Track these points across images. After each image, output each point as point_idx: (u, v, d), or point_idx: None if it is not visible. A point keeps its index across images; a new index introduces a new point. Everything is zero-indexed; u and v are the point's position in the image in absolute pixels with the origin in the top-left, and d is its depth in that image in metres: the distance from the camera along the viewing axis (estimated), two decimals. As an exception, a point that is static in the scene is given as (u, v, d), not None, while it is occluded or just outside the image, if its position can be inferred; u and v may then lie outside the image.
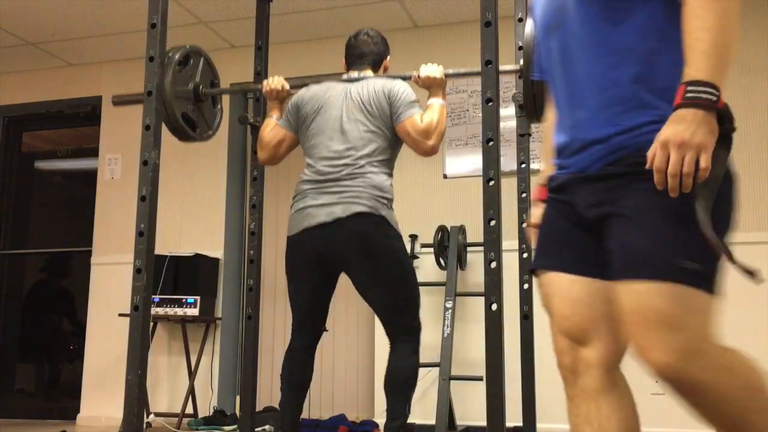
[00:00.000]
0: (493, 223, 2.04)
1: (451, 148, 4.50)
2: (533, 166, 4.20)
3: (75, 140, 5.64)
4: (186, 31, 4.70)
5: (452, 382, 3.59)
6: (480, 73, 2.14)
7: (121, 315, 4.50)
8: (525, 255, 3.13)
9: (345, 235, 2.55)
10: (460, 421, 3.95)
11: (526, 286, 3.08)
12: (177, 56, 2.65)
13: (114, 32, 4.77)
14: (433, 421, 3.47)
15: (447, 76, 2.68)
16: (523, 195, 3.14)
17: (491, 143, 2.08)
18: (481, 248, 2.11)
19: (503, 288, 2.02)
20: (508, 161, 4.04)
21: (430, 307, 4.35)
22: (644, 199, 1.28)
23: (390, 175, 2.72)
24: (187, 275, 4.52)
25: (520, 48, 3.19)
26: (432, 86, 2.68)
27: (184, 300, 4.45)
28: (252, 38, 3.08)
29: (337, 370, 4.72)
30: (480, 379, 3.69)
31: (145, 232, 2.29)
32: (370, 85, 2.68)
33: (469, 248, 4.22)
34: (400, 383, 2.63)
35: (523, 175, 3.15)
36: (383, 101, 2.64)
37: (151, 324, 4.21)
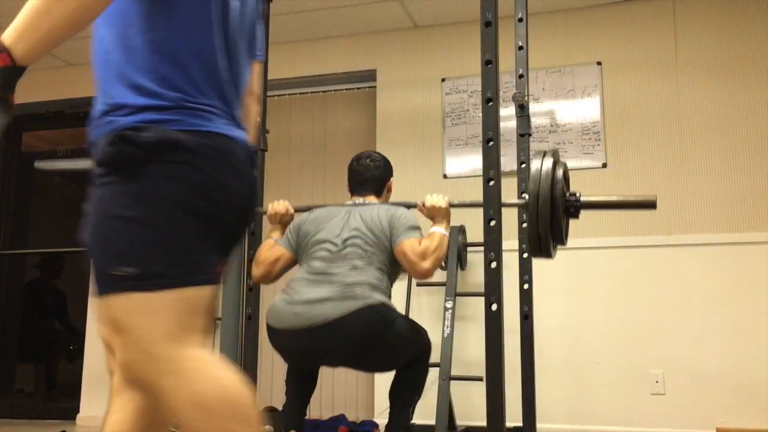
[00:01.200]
0: (493, 223, 2.04)
1: (451, 148, 4.50)
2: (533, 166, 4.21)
3: (75, 140, 5.64)
4: (186, 31, 4.70)
5: (452, 382, 3.59)
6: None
7: (121, 315, 4.49)
8: (525, 255, 3.13)
9: (340, 339, 2.45)
10: (460, 421, 3.95)
11: (526, 286, 3.08)
12: None
13: (114, 32, 4.77)
14: (433, 421, 3.47)
15: (452, 206, 2.67)
16: (523, 195, 3.14)
17: (491, 143, 2.08)
18: (481, 248, 2.11)
19: (503, 288, 2.02)
20: (508, 161, 4.04)
21: (430, 307, 4.35)
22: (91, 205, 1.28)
23: (389, 296, 2.63)
24: (187, 275, 4.51)
25: (521, 48, 3.20)
26: (436, 216, 2.67)
27: (184, 300, 4.44)
28: (252, 38, 3.08)
29: (337, 370, 4.71)
30: (480, 379, 3.69)
31: (145, 232, 2.28)
32: (374, 210, 2.67)
33: (469, 248, 4.22)
34: (408, 391, 2.63)
35: (523, 175, 3.15)
36: (385, 224, 2.62)
37: (151, 324, 4.20)
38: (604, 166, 4.23)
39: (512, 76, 3.32)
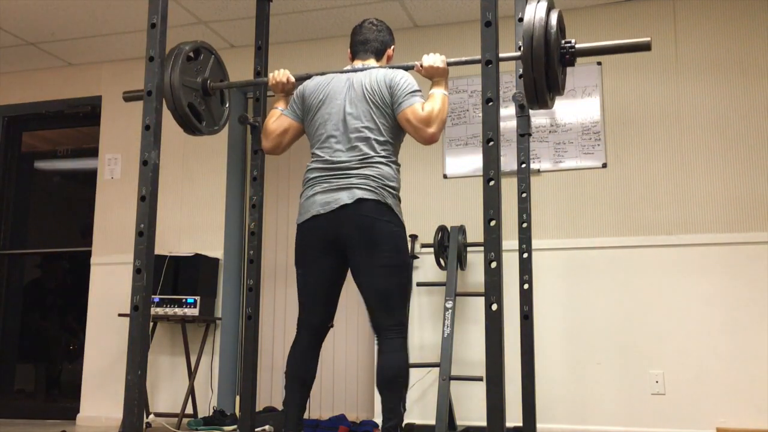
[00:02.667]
0: (493, 223, 2.04)
1: (451, 148, 4.50)
2: (533, 166, 4.21)
3: (75, 140, 5.64)
4: (186, 31, 4.70)
5: (452, 382, 3.59)
6: (480, 60, 2.14)
7: (121, 315, 4.50)
8: (525, 255, 3.13)
9: (349, 219, 2.60)
10: (460, 421, 3.95)
11: (526, 286, 3.08)
12: (187, 48, 2.67)
13: (114, 32, 4.77)
14: (433, 421, 3.47)
15: (449, 64, 2.69)
16: (523, 195, 3.14)
17: (491, 143, 2.08)
18: (481, 248, 2.11)
19: (503, 288, 2.02)
20: (508, 161, 4.04)
21: (430, 307, 4.35)
22: None
23: (396, 163, 2.75)
24: (187, 275, 4.52)
25: (520, 48, 3.20)
26: (434, 76, 2.70)
27: (184, 300, 4.45)
28: (252, 38, 3.08)
29: (337, 370, 4.72)
30: (480, 379, 3.69)
31: (145, 232, 2.29)
32: (373, 75, 2.71)
33: (469, 248, 4.22)
34: (393, 380, 2.60)
35: (523, 175, 3.15)
36: (385, 91, 2.67)
37: (151, 324, 4.21)
38: (604, 166, 4.23)
39: (512, 76, 3.33)
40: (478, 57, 2.17)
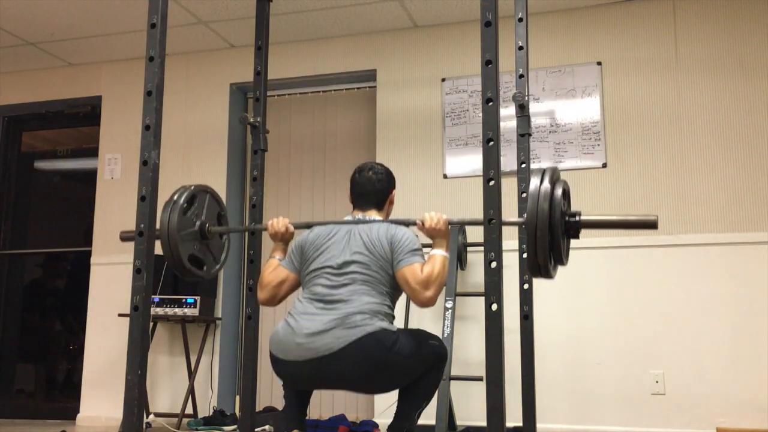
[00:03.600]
0: (493, 223, 2.04)
1: (451, 148, 4.50)
2: (533, 166, 4.21)
3: (75, 140, 5.64)
4: (186, 31, 4.70)
5: (452, 382, 3.59)
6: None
7: (121, 315, 4.50)
8: (525, 255, 3.12)
9: (344, 369, 2.44)
10: (460, 421, 3.95)
11: (526, 286, 3.08)
12: (182, 200, 2.62)
13: (114, 32, 4.77)
14: (433, 421, 3.47)
15: (452, 224, 2.62)
16: (523, 195, 3.14)
17: (491, 143, 2.08)
18: (481, 248, 2.11)
19: (503, 288, 2.02)
20: (508, 161, 4.04)
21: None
22: None
23: (391, 315, 2.60)
24: (187, 275, 4.51)
25: (521, 48, 3.20)
26: (435, 237, 2.62)
27: (184, 300, 4.45)
28: (252, 38, 3.08)
29: (337, 370, 4.71)
30: (480, 379, 3.69)
31: (145, 232, 2.29)
32: (374, 229, 2.64)
33: (469, 248, 4.22)
34: (419, 395, 2.60)
35: (523, 175, 3.15)
36: (386, 246, 2.58)
37: (151, 324, 4.21)
38: (604, 166, 4.23)
39: (512, 76, 3.32)
40: (479, 219, 2.11)
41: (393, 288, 2.59)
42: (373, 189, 2.79)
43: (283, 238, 2.79)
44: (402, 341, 2.48)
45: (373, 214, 2.76)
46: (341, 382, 2.54)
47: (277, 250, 2.81)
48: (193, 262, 2.67)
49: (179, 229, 2.59)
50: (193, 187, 2.71)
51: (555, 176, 2.17)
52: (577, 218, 2.20)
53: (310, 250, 2.67)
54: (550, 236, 2.10)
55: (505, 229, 2.12)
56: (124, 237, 2.67)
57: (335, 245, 2.63)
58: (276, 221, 2.78)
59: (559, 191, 2.14)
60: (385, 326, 2.47)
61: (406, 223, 2.67)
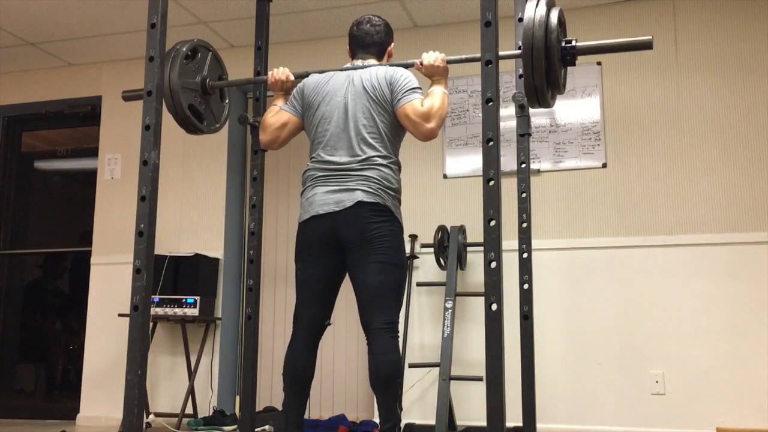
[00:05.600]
0: (493, 223, 2.04)
1: (451, 148, 4.50)
2: (533, 166, 4.21)
3: (75, 140, 5.64)
4: (186, 31, 4.69)
5: (452, 382, 3.59)
6: (480, 59, 2.14)
7: (121, 315, 4.50)
8: (525, 255, 3.12)
9: (348, 221, 2.60)
10: (460, 421, 3.95)
11: (526, 286, 3.07)
12: (185, 48, 2.66)
13: (114, 32, 4.77)
14: (433, 421, 3.47)
15: (449, 62, 2.68)
16: (523, 195, 3.14)
17: (491, 143, 2.08)
18: (481, 248, 2.11)
19: (503, 288, 2.02)
20: (508, 161, 4.04)
21: (430, 307, 4.35)
22: None
23: (396, 164, 2.74)
24: (187, 275, 4.52)
25: (520, 48, 3.19)
26: (434, 74, 2.69)
27: (184, 300, 4.45)
28: (252, 38, 3.08)
29: (337, 370, 4.72)
30: (480, 379, 3.69)
31: (145, 232, 2.29)
32: (373, 72, 2.71)
33: (469, 248, 4.22)
34: (388, 381, 2.57)
35: (523, 175, 3.15)
36: (385, 87, 2.66)
37: (151, 324, 4.21)
38: (604, 166, 4.23)
39: (512, 76, 3.32)
40: (478, 55, 2.16)
41: (395, 133, 2.71)
42: (371, 41, 2.86)
43: (283, 87, 2.84)
44: (396, 229, 2.66)
45: (372, 62, 2.82)
46: (343, 234, 2.64)
47: (278, 98, 2.87)
48: (193, 113, 2.70)
49: (180, 75, 2.61)
50: (195, 40, 2.75)
51: (550, 2, 2.20)
52: (572, 44, 2.25)
53: (311, 96, 2.76)
54: (546, 62, 2.14)
55: (505, 229, 2.12)
56: (127, 96, 2.71)
57: (336, 93, 2.71)
58: (276, 70, 2.83)
59: (554, 18, 2.18)
60: (389, 205, 2.64)
61: (405, 65, 2.72)
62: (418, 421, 4.08)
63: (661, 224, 4.08)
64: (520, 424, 3.07)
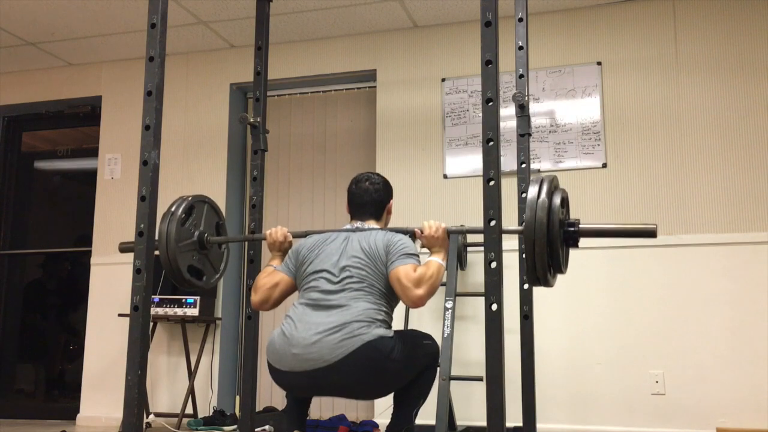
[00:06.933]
0: (493, 223, 2.04)
1: (451, 148, 4.50)
2: (533, 166, 4.21)
3: (75, 140, 5.64)
4: (186, 31, 4.70)
5: (452, 382, 3.59)
6: (484, 220, 2.09)
7: (121, 315, 4.50)
8: (525, 255, 3.12)
9: (341, 380, 2.41)
10: (460, 421, 3.95)
11: (526, 286, 3.08)
12: (180, 210, 2.62)
13: (114, 32, 4.77)
14: (433, 421, 3.47)
15: (450, 232, 2.60)
16: (523, 195, 3.14)
17: (491, 143, 2.08)
18: (481, 248, 2.11)
19: (503, 288, 2.02)
20: (508, 161, 4.04)
21: (430, 307, 4.34)
22: None
23: (389, 318, 2.59)
24: (187, 275, 4.51)
25: (521, 48, 3.20)
26: (434, 246, 2.58)
27: (184, 300, 4.45)
28: (252, 38, 3.08)
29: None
30: (480, 379, 3.69)
31: (145, 232, 2.29)
32: (372, 235, 2.62)
33: (469, 248, 4.22)
34: (415, 395, 2.60)
35: (523, 175, 3.15)
36: (381, 250, 2.55)
37: (151, 324, 4.21)
38: (604, 166, 4.23)
39: (512, 76, 3.32)
40: (480, 226, 2.10)
41: (390, 292, 2.55)
42: (370, 199, 2.77)
43: (281, 248, 2.77)
44: (399, 347, 2.46)
45: (372, 224, 2.73)
46: (339, 391, 2.53)
47: (274, 259, 2.79)
48: (192, 273, 2.68)
49: (178, 240, 2.58)
50: (191, 198, 2.71)
51: (553, 184, 2.15)
52: (576, 227, 2.18)
53: (305, 254, 2.64)
54: (549, 247, 2.09)
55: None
56: (124, 248, 2.69)
57: (332, 250, 2.60)
58: (274, 230, 2.77)
59: (557, 200, 2.12)
60: (382, 333, 2.44)
61: (405, 231, 2.65)
62: (418, 421, 4.07)
63: (661, 224, 4.08)
64: (520, 424, 3.07)
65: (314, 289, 2.54)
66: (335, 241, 2.63)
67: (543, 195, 2.09)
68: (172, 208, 2.62)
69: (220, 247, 2.86)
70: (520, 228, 2.27)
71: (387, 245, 2.55)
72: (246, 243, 3.04)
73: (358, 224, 2.73)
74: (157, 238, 2.44)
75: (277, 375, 2.51)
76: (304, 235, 2.77)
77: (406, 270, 2.48)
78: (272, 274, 2.71)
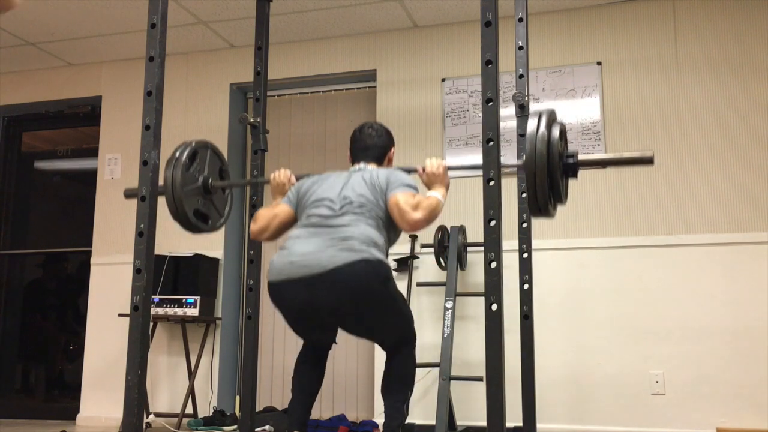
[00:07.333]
0: (493, 223, 2.04)
1: (451, 148, 4.50)
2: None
3: (75, 140, 5.64)
4: (186, 31, 4.70)
5: (452, 382, 3.59)
6: (483, 172, 2.12)
7: (121, 315, 4.50)
8: (525, 255, 3.13)
9: (332, 288, 2.39)
10: (460, 421, 3.95)
11: (526, 286, 3.08)
12: (184, 156, 2.65)
13: (114, 32, 4.77)
14: (433, 421, 3.47)
15: (450, 168, 2.62)
16: (523, 195, 3.14)
17: (491, 143, 2.08)
18: (481, 248, 2.11)
19: (503, 288, 2.02)
20: (508, 161, 4.03)
21: (430, 307, 4.35)
22: None
23: (387, 241, 2.60)
24: (187, 275, 4.52)
25: (521, 48, 3.20)
26: (434, 183, 2.62)
27: (184, 300, 4.45)
28: (252, 38, 3.08)
29: (337, 370, 4.71)
30: (480, 379, 3.69)
31: (145, 232, 2.29)
32: (374, 171, 2.66)
33: (469, 248, 4.22)
34: (398, 384, 2.61)
35: (523, 174, 3.15)
36: (383, 182, 2.59)
37: (151, 324, 4.21)
38: (604, 166, 4.22)
39: (512, 76, 3.32)
40: (479, 164, 2.14)
41: (390, 225, 2.59)
42: (373, 143, 2.81)
43: (283, 191, 2.80)
44: (393, 284, 2.52)
45: (373, 167, 2.76)
46: (330, 306, 2.44)
47: (277, 200, 2.83)
48: (198, 217, 2.72)
49: (183, 185, 2.61)
50: (194, 143, 2.74)
51: (551, 118, 2.19)
52: (575, 159, 2.25)
53: (308, 187, 2.69)
54: (549, 178, 2.14)
55: (504, 229, 2.12)
56: (129, 194, 2.71)
57: (334, 182, 2.65)
58: (278, 173, 2.80)
59: (556, 133, 2.18)
60: (381, 258, 2.46)
61: (407, 170, 2.69)
62: (418, 421, 4.08)
63: (661, 224, 4.08)
64: (520, 424, 3.07)
65: (315, 215, 2.56)
66: (339, 176, 2.68)
67: (542, 127, 2.14)
68: (177, 154, 2.66)
69: (224, 192, 2.90)
70: (520, 162, 2.30)
71: (388, 177, 2.61)
72: (246, 244, 3.03)
73: (360, 166, 2.77)
74: (162, 183, 2.47)
75: (275, 290, 2.50)
76: (307, 176, 2.80)
77: (405, 196, 2.53)
78: (273, 206, 2.75)
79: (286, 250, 2.49)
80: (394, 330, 2.63)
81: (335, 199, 2.56)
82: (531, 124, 2.16)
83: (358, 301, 2.43)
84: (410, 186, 2.58)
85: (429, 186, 2.62)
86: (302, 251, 2.44)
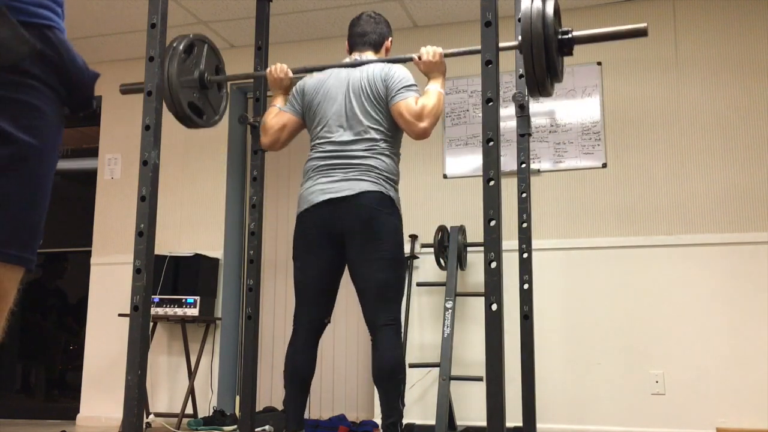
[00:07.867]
0: (493, 223, 2.04)
1: (451, 148, 4.50)
2: (533, 166, 4.21)
3: (75, 140, 5.64)
4: (186, 31, 4.66)
5: (452, 382, 3.59)
6: (479, 53, 2.14)
7: (121, 315, 4.50)
8: (525, 255, 3.12)
9: (350, 210, 2.61)
10: (460, 421, 3.95)
11: (526, 286, 3.08)
12: (181, 46, 2.68)
13: (114, 32, 4.77)
14: (433, 421, 3.47)
15: (446, 55, 2.66)
16: (523, 195, 3.14)
17: (491, 143, 2.08)
18: (481, 248, 2.11)
19: (503, 288, 2.02)
20: (508, 161, 4.04)
21: (430, 307, 4.35)
22: None
23: (397, 155, 2.78)
24: (187, 275, 4.52)
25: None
26: (432, 71, 2.68)
27: (184, 300, 4.45)
28: (252, 38, 3.08)
29: (337, 370, 4.72)
30: (480, 379, 3.69)
31: (145, 232, 2.29)
32: (369, 70, 2.73)
33: (469, 248, 4.22)
34: (392, 377, 2.60)
35: (523, 175, 3.15)
36: (380, 85, 2.69)
37: (151, 324, 4.21)
38: (604, 166, 4.23)
39: (512, 76, 3.33)
40: (477, 47, 2.17)
41: (394, 127, 2.72)
42: (371, 29, 2.90)
43: (282, 85, 2.87)
44: (398, 222, 2.68)
45: (370, 55, 2.85)
46: (348, 224, 2.63)
47: (278, 97, 2.90)
48: (192, 110, 2.73)
49: (179, 74, 2.65)
50: (191, 35, 2.77)
51: None
52: (570, 34, 2.30)
53: (311, 95, 2.78)
54: (546, 54, 2.18)
55: (504, 229, 2.12)
56: (125, 90, 2.73)
57: (336, 93, 2.73)
58: (275, 68, 2.85)
59: (550, 9, 2.21)
60: (392, 196, 2.67)
61: (403, 60, 2.74)
62: (418, 421, 4.08)
63: (661, 224, 4.08)
64: (520, 424, 3.07)
65: (328, 141, 2.71)
66: (337, 83, 2.75)
67: (537, 5, 2.19)
68: (174, 44, 2.68)
69: (219, 90, 2.90)
70: (515, 43, 2.33)
71: (386, 80, 2.69)
72: (246, 245, 3.04)
73: (356, 57, 2.84)
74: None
75: (306, 216, 2.69)
76: (305, 70, 2.88)
77: (407, 104, 2.64)
78: (279, 114, 2.84)
79: (312, 181, 2.69)
80: (388, 278, 2.63)
81: (344, 123, 2.70)
82: (525, 3, 2.20)
83: (370, 227, 2.61)
84: (409, 87, 2.68)
85: (427, 75, 2.70)
86: (328, 181, 2.66)
